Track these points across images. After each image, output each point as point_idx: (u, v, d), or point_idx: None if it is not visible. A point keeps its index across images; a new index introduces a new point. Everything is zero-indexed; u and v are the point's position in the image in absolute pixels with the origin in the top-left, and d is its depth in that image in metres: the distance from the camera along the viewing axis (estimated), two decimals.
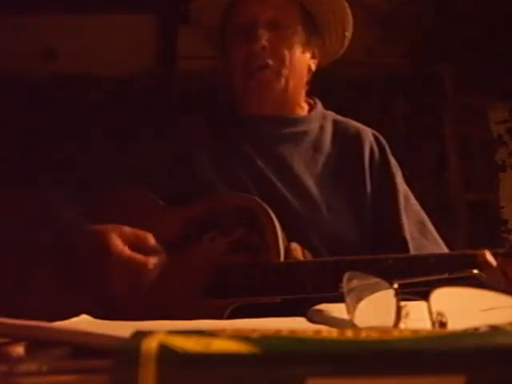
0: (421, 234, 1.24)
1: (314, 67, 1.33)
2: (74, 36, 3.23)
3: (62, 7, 3.24)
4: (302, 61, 1.29)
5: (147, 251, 1.00)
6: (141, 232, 1.02)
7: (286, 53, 1.25)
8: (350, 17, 1.30)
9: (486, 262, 1.00)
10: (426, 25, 3.26)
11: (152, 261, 1.00)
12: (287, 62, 1.25)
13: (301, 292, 1.02)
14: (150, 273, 0.99)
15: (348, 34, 1.34)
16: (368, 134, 1.33)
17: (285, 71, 1.25)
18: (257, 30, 1.23)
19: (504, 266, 0.99)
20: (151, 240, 1.01)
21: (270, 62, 1.23)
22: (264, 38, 1.22)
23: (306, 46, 1.29)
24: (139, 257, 0.99)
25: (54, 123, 3.05)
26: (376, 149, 1.31)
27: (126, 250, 0.99)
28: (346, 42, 1.35)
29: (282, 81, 1.25)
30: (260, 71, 1.23)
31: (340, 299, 0.65)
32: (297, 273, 1.04)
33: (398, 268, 1.02)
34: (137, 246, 1.00)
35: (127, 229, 1.01)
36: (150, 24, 3.41)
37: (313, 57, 1.32)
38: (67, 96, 3.19)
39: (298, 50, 1.27)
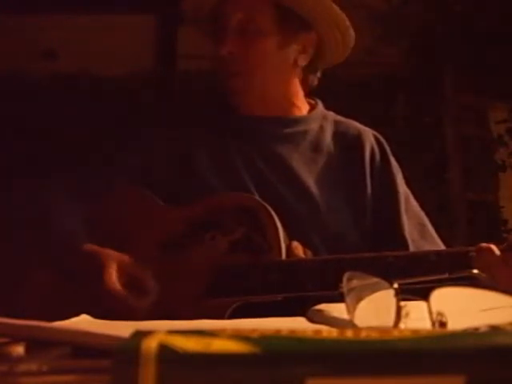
0: (420, 235, 1.24)
1: (303, 61, 1.28)
2: (74, 36, 3.22)
3: (62, 7, 3.24)
4: (282, 58, 1.25)
5: (141, 289, 1.00)
6: (139, 270, 1.02)
7: (259, 56, 1.22)
8: (335, 7, 1.24)
9: (489, 250, 1.00)
10: (426, 25, 3.26)
11: (140, 303, 0.99)
12: (260, 66, 1.23)
13: (302, 290, 1.02)
14: (135, 313, 0.98)
15: (351, 32, 1.28)
16: (369, 134, 1.33)
17: (259, 75, 1.23)
18: (225, 34, 1.21)
19: (506, 258, 0.99)
20: (147, 280, 1.01)
21: (240, 68, 1.22)
22: (231, 42, 1.20)
23: (287, 42, 1.25)
24: (128, 299, 0.99)
25: (53, 123, 3.05)
26: (377, 150, 1.30)
27: (118, 288, 0.99)
28: (351, 40, 1.29)
29: (258, 85, 1.24)
30: (231, 79, 1.23)
31: (341, 297, 0.65)
32: (298, 271, 1.04)
33: (398, 266, 1.02)
34: (131, 281, 1.00)
35: (127, 261, 1.01)
36: (149, 24, 3.40)
37: (303, 51, 1.27)
38: (67, 96, 3.19)
39: (273, 50, 1.24)
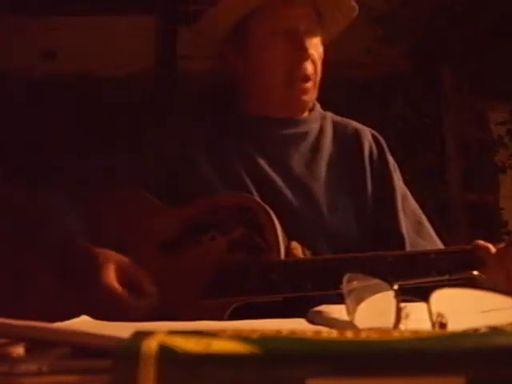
0: (417, 233, 1.24)
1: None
2: (73, 36, 3.23)
3: (61, 7, 3.24)
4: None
5: (140, 291, 0.98)
6: (139, 272, 1.00)
7: (318, 62, 1.25)
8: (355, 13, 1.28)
9: (486, 249, 1.00)
10: (425, 25, 3.26)
11: (140, 304, 0.97)
12: (318, 71, 1.25)
13: (302, 290, 1.02)
14: (134, 315, 0.95)
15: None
16: (367, 133, 1.33)
17: (317, 80, 1.26)
18: (303, 38, 1.21)
19: (504, 257, 0.99)
20: (146, 282, 0.99)
21: (312, 72, 1.23)
22: (310, 47, 1.21)
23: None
24: (127, 298, 0.97)
25: (53, 123, 3.05)
26: (375, 148, 1.31)
27: (117, 287, 0.97)
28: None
29: (316, 89, 1.26)
30: (305, 82, 1.23)
31: (341, 297, 0.65)
32: (297, 271, 1.04)
33: (397, 265, 1.02)
34: (130, 282, 0.98)
35: (126, 262, 1.00)
36: (149, 24, 3.41)
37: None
38: (67, 96, 3.19)
39: (321, 57, 1.27)
